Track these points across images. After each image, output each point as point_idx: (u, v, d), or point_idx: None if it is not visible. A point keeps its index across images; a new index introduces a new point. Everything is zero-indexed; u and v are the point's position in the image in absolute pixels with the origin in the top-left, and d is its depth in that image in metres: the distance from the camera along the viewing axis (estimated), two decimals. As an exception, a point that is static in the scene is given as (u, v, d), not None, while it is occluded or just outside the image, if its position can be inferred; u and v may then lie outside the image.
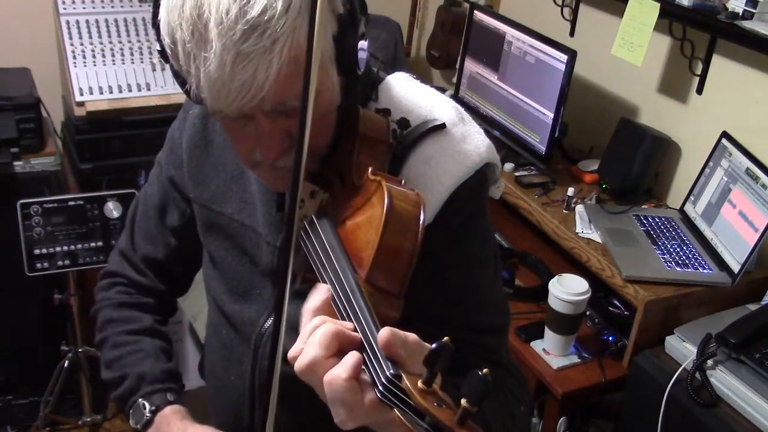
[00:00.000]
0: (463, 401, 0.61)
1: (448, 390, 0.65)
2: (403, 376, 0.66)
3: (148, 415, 1.10)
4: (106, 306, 1.24)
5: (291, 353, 0.75)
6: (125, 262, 1.26)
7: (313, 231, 0.88)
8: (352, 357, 0.70)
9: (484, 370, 0.60)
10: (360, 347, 0.72)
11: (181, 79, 0.89)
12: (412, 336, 0.70)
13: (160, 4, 0.86)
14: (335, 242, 0.85)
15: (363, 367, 0.70)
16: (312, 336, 0.73)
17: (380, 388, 0.67)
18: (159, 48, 0.89)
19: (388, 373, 0.67)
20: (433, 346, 0.63)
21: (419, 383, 0.64)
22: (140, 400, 1.11)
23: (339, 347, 0.72)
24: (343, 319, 0.76)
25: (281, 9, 0.79)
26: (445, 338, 0.64)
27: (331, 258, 0.83)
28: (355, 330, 0.74)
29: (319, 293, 0.79)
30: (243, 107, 0.83)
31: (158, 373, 1.15)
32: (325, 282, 0.82)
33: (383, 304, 0.78)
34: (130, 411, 1.12)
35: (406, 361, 0.69)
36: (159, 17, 0.86)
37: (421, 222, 0.81)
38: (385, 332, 0.69)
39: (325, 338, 0.72)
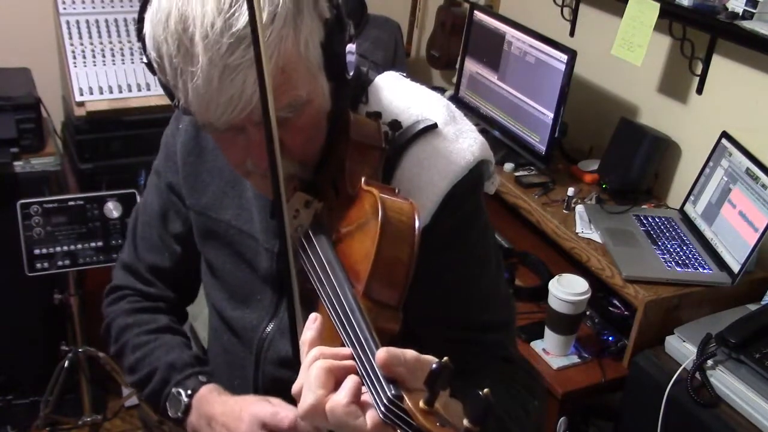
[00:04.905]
0: (466, 422, 0.60)
1: (451, 407, 0.64)
2: (405, 396, 0.65)
3: (185, 400, 1.07)
4: (118, 316, 1.21)
5: (294, 389, 0.74)
6: (131, 276, 1.23)
7: (309, 244, 0.87)
8: (350, 381, 0.70)
9: (485, 390, 0.60)
10: (357, 371, 0.71)
11: (169, 91, 0.88)
12: (410, 353, 0.69)
13: (144, 18, 0.85)
14: (331, 256, 0.84)
15: (364, 388, 0.70)
16: (307, 378, 0.72)
17: (382, 408, 0.66)
18: (146, 61, 0.88)
19: (389, 394, 0.66)
20: (433, 366, 0.62)
21: (421, 403, 0.63)
22: (174, 389, 1.09)
23: (336, 381, 0.71)
24: (341, 335, 0.75)
25: (266, 20, 0.78)
26: (445, 358, 0.63)
27: (328, 273, 0.82)
28: (351, 357, 0.73)
29: (311, 325, 0.78)
30: (232, 120, 0.82)
31: (187, 359, 1.13)
32: (322, 295, 0.81)
33: (382, 318, 0.77)
34: (166, 403, 1.09)
35: (407, 378, 0.67)
36: (144, 31, 0.85)
37: (416, 232, 0.80)
38: (382, 353, 0.67)
39: (320, 378, 0.71)
